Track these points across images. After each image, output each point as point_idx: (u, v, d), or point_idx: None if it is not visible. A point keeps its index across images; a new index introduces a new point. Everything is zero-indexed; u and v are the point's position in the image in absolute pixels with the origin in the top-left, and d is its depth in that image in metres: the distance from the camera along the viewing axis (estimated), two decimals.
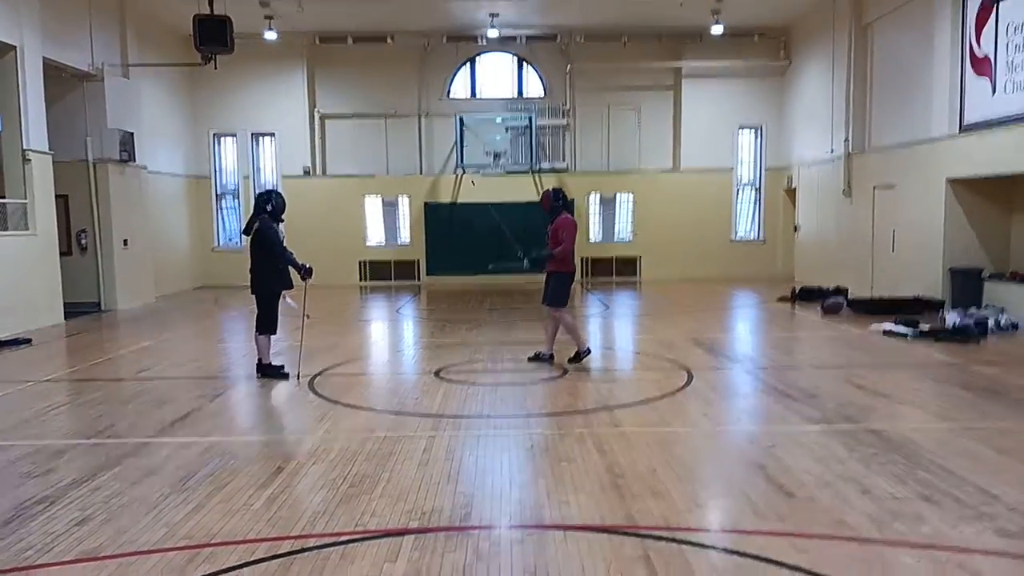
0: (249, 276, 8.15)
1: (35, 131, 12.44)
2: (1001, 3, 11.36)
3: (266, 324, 8.14)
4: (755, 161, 20.24)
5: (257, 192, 8.71)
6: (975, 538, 3.95)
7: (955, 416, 6.36)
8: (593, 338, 11.38)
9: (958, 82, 12.38)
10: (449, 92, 20.02)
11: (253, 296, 8.21)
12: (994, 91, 11.57)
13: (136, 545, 4.03)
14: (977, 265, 12.34)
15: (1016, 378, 7.69)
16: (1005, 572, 3.57)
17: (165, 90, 17.95)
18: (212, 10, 13.47)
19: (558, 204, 8.75)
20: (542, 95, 20.03)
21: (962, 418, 6.28)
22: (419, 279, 19.86)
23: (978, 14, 11.88)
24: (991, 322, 10.62)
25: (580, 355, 8.71)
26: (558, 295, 8.73)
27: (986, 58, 11.74)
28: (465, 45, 19.64)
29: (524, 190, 19.54)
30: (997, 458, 5.20)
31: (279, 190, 8.33)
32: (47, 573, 3.73)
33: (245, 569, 3.73)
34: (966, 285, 12.17)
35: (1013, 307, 11.34)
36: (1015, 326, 10.69)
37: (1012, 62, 11.15)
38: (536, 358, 8.90)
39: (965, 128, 12.25)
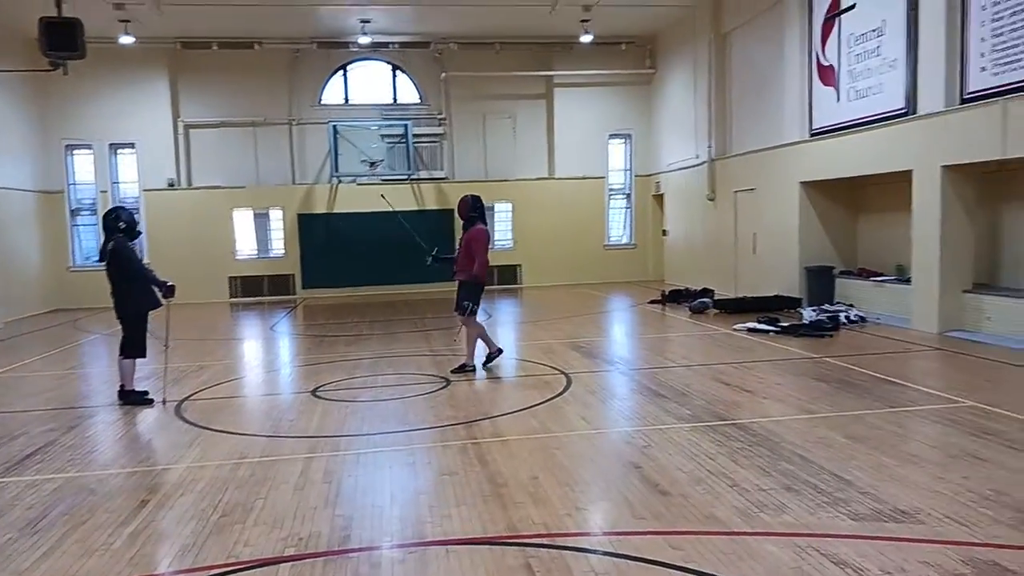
0: (112, 300, 7.67)
1: None
2: (843, 15, 12.26)
3: (132, 347, 7.67)
4: (625, 168, 20.92)
5: (105, 211, 8.19)
6: (831, 523, 4.21)
7: (812, 407, 6.77)
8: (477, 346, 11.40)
9: (807, 90, 13.26)
10: (321, 99, 19.60)
11: (119, 320, 7.73)
12: (838, 98, 12.46)
13: None
14: (829, 263, 13.23)
15: (864, 368, 8.29)
16: (859, 553, 3.81)
17: (9, 98, 16.64)
18: (60, 12, 12.58)
19: (474, 215, 8.65)
20: (418, 102, 19.95)
21: (818, 409, 6.70)
22: (295, 293, 19.29)
23: (823, 25, 12.77)
24: (842, 317, 11.41)
25: (466, 367, 8.72)
26: (470, 305, 8.64)
27: (831, 67, 12.63)
28: (337, 52, 19.31)
29: (402, 199, 19.42)
30: (850, 445, 5.58)
31: (125, 206, 7.88)
32: None
33: None
34: (820, 283, 13.02)
35: (861, 302, 12.23)
36: (863, 319, 11.52)
37: (854, 71, 12.04)
38: (460, 369, 8.74)
39: (814, 133, 13.13)
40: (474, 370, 8.77)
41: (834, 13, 12.45)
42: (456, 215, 8.91)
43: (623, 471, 5.21)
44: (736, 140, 16.18)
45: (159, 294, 7.63)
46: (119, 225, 7.61)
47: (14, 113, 16.95)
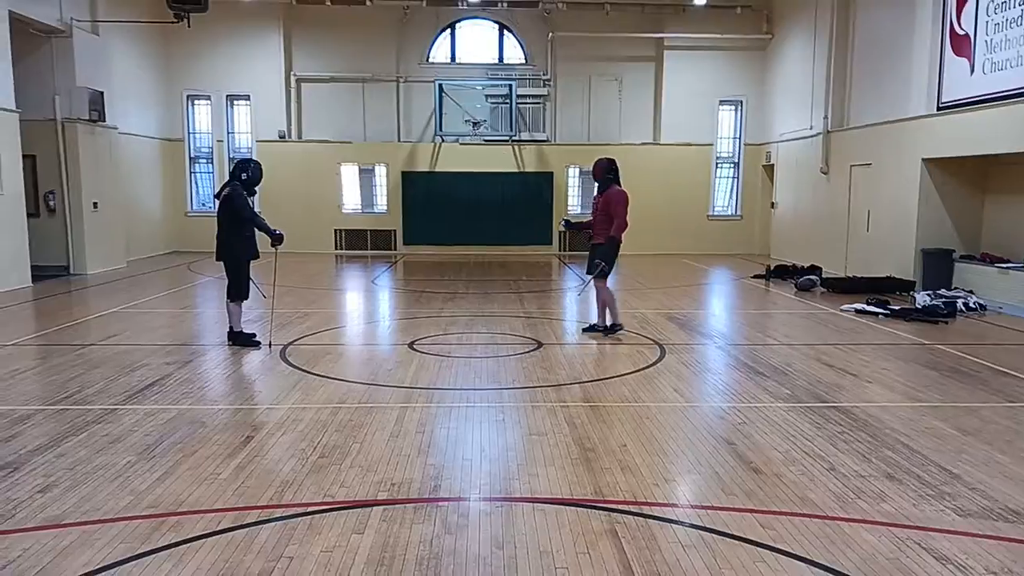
0: (215, 242, 8.04)
1: (1, 88, 12.09)
2: None
3: (236, 290, 8.04)
4: (735, 136, 20.24)
5: (237, 159, 8.53)
6: (935, 516, 4.02)
7: (921, 396, 6.45)
8: (569, 312, 11.41)
9: (937, 61, 12.42)
10: (428, 57, 19.75)
11: (220, 263, 8.10)
12: (972, 71, 11.62)
13: (100, 513, 3.99)
14: (949, 246, 12.48)
15: (980, 359, 7.82)
16: (963, 550, 3.63)
17: (137, 49, 17.53)
18: None
19: (610, 176, 8.64)
20: (523, 62, 19.83)
21: (928, 398, 6.38)
22: (396, 249, 19.72)
23: None
24: (960, 303, 10.77)
25: (616, 327, 8.79)
26: (604, 266, 8.65)
27: (966, 37, 11.77)
28: (445, 9, 19.35)
29: (503, 160, 19.49)
30: (960, 437, 5.29)
31: (257, 159, 8.17)
32: (9, 540, 3.68)
33: (210, 539, 3.70)
34: (937, 266, 12.31)
35: (982, 289, 11.51)
36: (983, 307, 10.85)
37: (991, 42, 11.19)
38: (612, 330, 8.83)
39: (943, 107, 12.31)
40: (620, 328, 8.81)
41: None
42: (591, 175, 8.91)
43: (715, 446, 5.12)
44: (855, 112, 15.37)
45: (270, 240, 7.92)
46: (241, 175, 7.93)
47: (141, 63, 17.85)
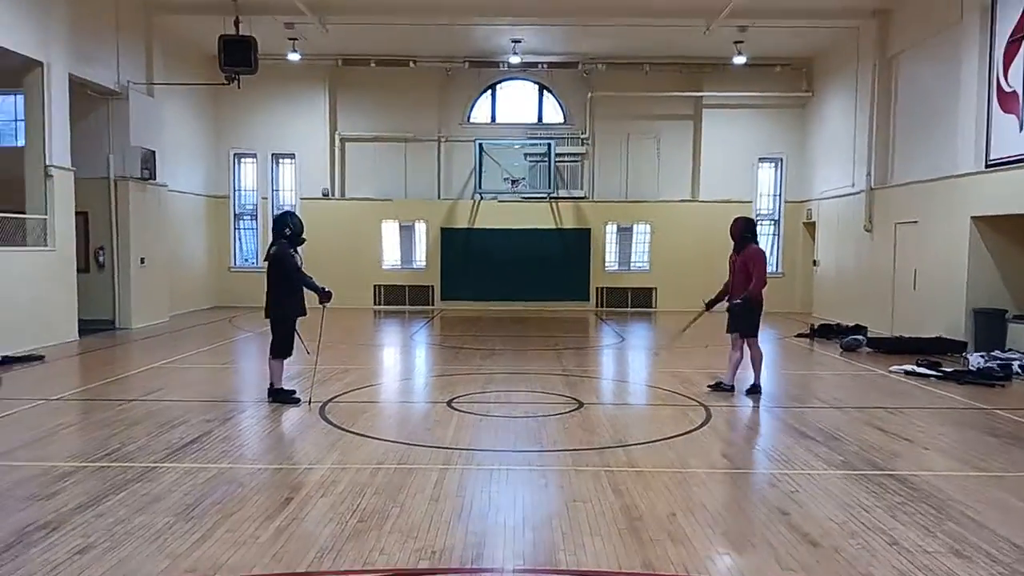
0: (265, 300, 8.10)
1: (58, 147, 12.53)
2: None
3: (280, 349, 8.06)
4: (774, 193, 20.11)
5: (275, 215, 8.66)
6: None
7: (983, 464, 6.15)
8: (608, 370, 11.25)
9: (984, 117, 12.24)
10: (469, 117, 20.08)
11: (268, 319, 8.14)
12: (1021, 127, 11.42)
13: None
14: (1001, 306, 12.11)
15: None
16: None
17: (188, 109, 18.10)
18: (238, 30, 13.61)
19: (748, 235, 8.78)
20: (562, 121, 20.06)
21: (990, 466, 6.08)
22: (433, 304, 19.78)
23: (1007, 48, 11.76)
24: (1015, 365, 10.38)
25: (757, 387, 8.80)
26: (752, 326, 8.72)
27: (1014, 93, 11.60)
28: (487, 71, 19.72)
29: (541, 217, 19.58)
30: None
31: (295, 211, 8.26)
32: None
33: None
34: (990, 326, 11.93)
35: None
36: None
37: None
38: (717, 388, 8.89)
39: (991, 165, 12.09)
40: (760, 392, 8.76)
41: (1021, 35, 11.44)
42: (728, 235, 9.00)
43: (768, 515, 4.91)
44: (899, 169, 15.18)
45: (318, 298, 7.94)
46: (285, 231, 8.01)
47: (192, 122, 18.43)
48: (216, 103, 19.22)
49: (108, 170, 14.56)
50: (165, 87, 15.97)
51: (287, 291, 7.95)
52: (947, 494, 5.33)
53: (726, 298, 8.88)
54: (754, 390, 8.80)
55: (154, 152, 15.18)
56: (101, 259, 14.66)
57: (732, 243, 8.92)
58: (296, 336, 8.12)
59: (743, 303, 8.57)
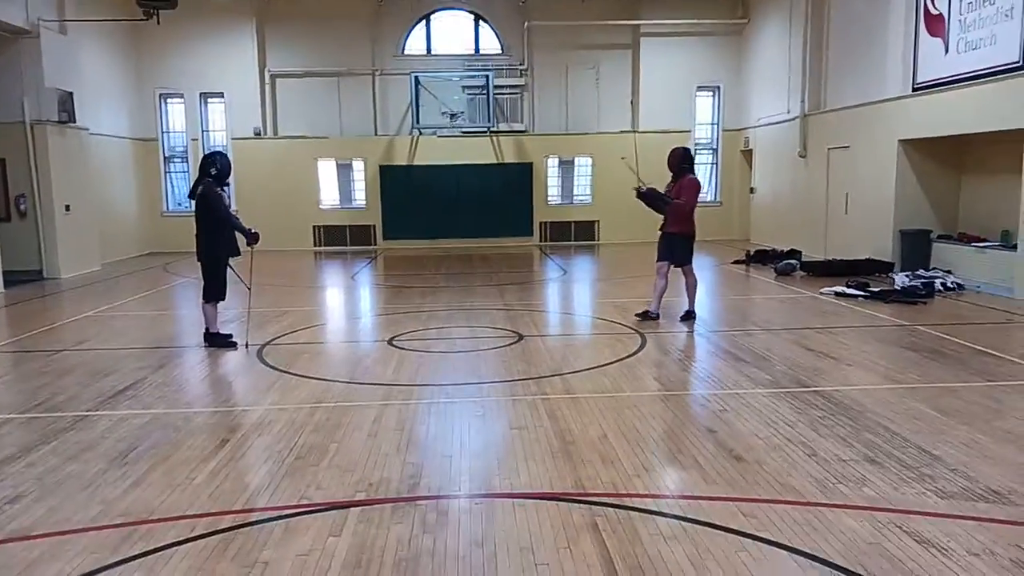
0: (195, 242, 7.91)
1: None
2: None
3: (212, 291, 7.92)
4: (712, 122, 20.22)
5: (204, 155, 8.40)
6: (917, 499, 4.00)
7: (901, 377, 6.46)
8: (550, 303, 11.37)
9: (912, 41, 12.42)
10: (404, 49, 19.57)
11: (199, 262, 7.97)
12: (947, 51, 11.64)
13: (70, 523, 3.89)
14: (926, 227, 12.53)
15: (959, 339, 7.84)
16: (945, 532, 3.62)
17: (107, 48, 17.23)
18: None
19: (686, 166, 8.85)
20: (499, 52, 19.69)
21: (908, 379, 6.39)
22: (376, 244, 19.58)
23: None
24: (938, 283, 10.82)
25: (691, 313, 9.02)
26: (687, 254, 8.92)
27: (940, 16, 11.78)
28: (420, 1, 19.15)
29: (482, 151, 19.38)
30: (940, 418, 5.29)
31: (224, 151, 8.02)
32: None
33: (183, 546, 3.62)
34: (915, 247, 12.36)
35: (960, 269, 11.56)
36: (961, 287, 10.90)
37: (965, 21, 11.20)
38: (644, 316, 8.99)
39: (917, 88, 12.33)
40: (694, 317, 8.96)
41: None
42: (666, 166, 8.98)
43: (696, 434, 5.09)
44: (831, 95, 15.38)
45: (246, 240, 7.79)
46: (211, 170, 7.79)
47: (111, 63, 17.55)
48: (137, 41, 18.29)
49: (23, 114, 13.83)
50: (80, 25, 15.12)
51: (216, 228, 7.76)
52: (865, 407, 5.59)
53: (656, 199, 8.86)
54: (688, 316, 9.01)
55: (71, 94, 14.45)
56: (23, 207, 14.06)
57: (670, 173, 8.96)
58: (232, 273, 7.97)
59: (678, 237, 8.79)
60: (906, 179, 12.69)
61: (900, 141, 12.63)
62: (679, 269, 9.01)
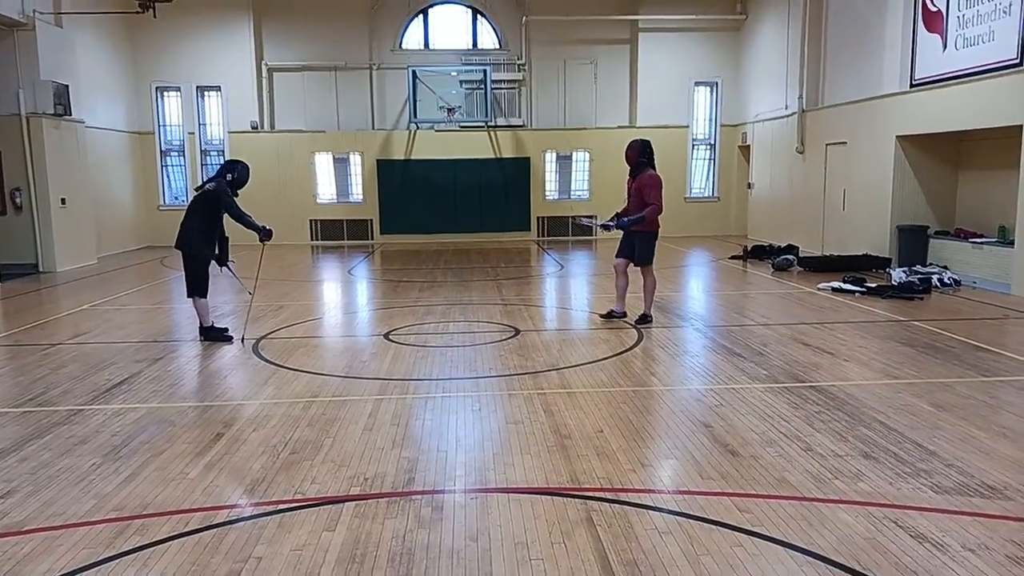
0: (180, 229, 7.84)
1: None
2: None
3: (194, 286, 7.87)
4: (710, 118, 20.19)
5: (226, 159, 8.34)
6: (912, 494, 4.00)
7: (897, 372, 6.46)
8: (547, 298, 11.36)
9: (910, 37, 12.42)
10: (401, 43, 19.52)
11: (178, 248, 7.90)
12: (945, 47, 11.63)
13: (63, 518, 3.88)
14: (923, 223, 12.53)
15: (955, 334, 7.84)
16: (940, 527, 3.62)
17: (103, 40, 17.15)
18: None
19: (643, 160, 8.36)
20: (497, 47, 19.65)
21: (904, 374, 6.39)
22: (373, 238, 19.55)
23: None
24: (934, 279, 10.82)
25: (647, 317, 8.60)
26: (647, 254, 8.50)
27: (938, 13, 11.77)
28: None
29: (479, 146, 19.34)
30: (936, 414, 5.29)
31: (246, 164, 7.96)
32: None
33: (176, 541, 3.61)
34: (912, 242, 12.37)
35: (956, 265, 11.58)
36: (958, 283, 10.91)
37: (963, 18, 11.20)
38: (609, 316, 8.76)
39: (915, 84, 12.33)
40: (650, 321, 8.61)
41: None
42: (625, 160, 8.54)
43: (692, 429, 5.09)
44: (829, 91, 15.36)
45: (258, 237, 7.81)
46: (227, 175, 7.81)
47: (108, 55, 17.48)
48: (133, 34, 18.22)
49: (19, 106, 13.78)
50: (76, 17, 15.07)
51: (212, 228, 7.75)
52: (862, 402, 5.59)
53: (624, 221, 8.50)
54: (643, 320, 8.58)
55: (67, 86, 14.39)
56: (18, 200, 14.01)
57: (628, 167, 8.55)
58: (233, 278, 7.94)
59: (647, 235, 8.43)
60: (903, 175, 12.70)
61: (898, 137, 12.62)
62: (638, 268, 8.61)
